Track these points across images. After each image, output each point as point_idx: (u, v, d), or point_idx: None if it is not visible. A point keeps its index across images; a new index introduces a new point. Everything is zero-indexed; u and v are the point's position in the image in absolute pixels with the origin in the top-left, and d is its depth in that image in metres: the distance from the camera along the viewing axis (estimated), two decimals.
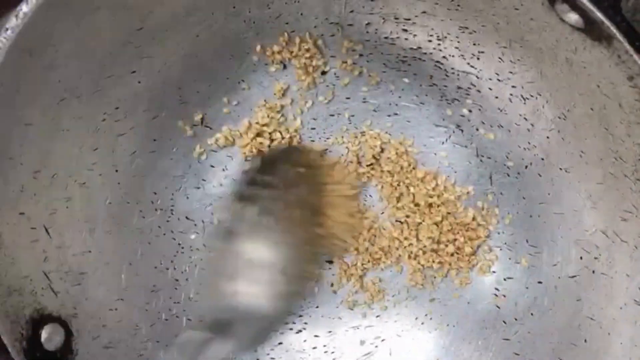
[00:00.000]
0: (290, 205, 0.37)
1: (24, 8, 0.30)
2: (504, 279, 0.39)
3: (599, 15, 0.29)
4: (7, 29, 0.30)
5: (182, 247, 0.41)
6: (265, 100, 0.41)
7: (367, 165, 0.41)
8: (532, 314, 0.38)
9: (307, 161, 0.40)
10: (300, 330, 0.41)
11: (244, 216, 0.36)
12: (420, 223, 0.41)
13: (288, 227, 0.37)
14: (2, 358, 0.31)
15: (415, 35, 0.38)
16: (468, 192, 0.41)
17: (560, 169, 0.37)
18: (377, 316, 0.41)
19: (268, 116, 0.41)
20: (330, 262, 0.42)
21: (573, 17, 0.30)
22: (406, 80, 0.40)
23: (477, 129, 0.40)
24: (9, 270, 0.32)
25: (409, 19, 0.37)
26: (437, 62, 0.39)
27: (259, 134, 0.41)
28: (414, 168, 0.41)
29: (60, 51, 0.32)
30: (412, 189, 0.41)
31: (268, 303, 0.36)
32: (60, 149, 0.35)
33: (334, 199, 0.40)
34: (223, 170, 0.41)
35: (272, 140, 0.41)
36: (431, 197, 0.40)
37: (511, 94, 0.37)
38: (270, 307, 0.36)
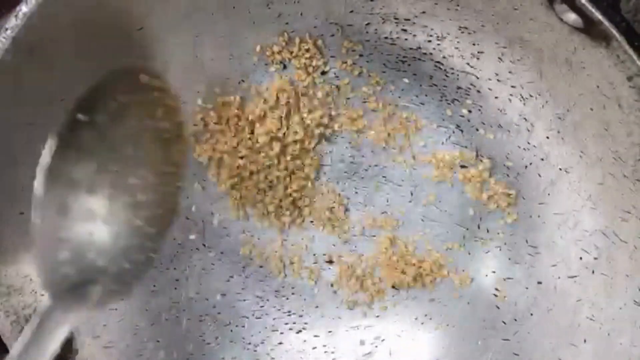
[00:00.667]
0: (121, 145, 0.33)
1: (24, 8, 0.30)
2: (504, 279, 0.39)
3: (598, 15, 0.29)
4: (6, 29, 0.30)
5: (182, 247, 0.41)
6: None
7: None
8: (532, 314, 0.38)
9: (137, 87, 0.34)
10: (300, 330, 0.41)
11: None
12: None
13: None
14: (2, 357, 0.32)
15: (415, 36, 0.38)
16: None
17: (560, 169, 0.36)
18: (377, 316, 0.41)
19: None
20: (330, 262, 0.42)
21: (572, 17, 0.30)
22: (406, 80, 0.40)
23: (477, 129, 0.40)
24: (9, 270, 0.33)
25: (408, 19, 0.37)
26: (437, 62, 0.39)
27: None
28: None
29: (60, 51, 0.32)
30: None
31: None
32: None
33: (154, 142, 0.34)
34: None
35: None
36: None
37: (511, 94, 0.37)
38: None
